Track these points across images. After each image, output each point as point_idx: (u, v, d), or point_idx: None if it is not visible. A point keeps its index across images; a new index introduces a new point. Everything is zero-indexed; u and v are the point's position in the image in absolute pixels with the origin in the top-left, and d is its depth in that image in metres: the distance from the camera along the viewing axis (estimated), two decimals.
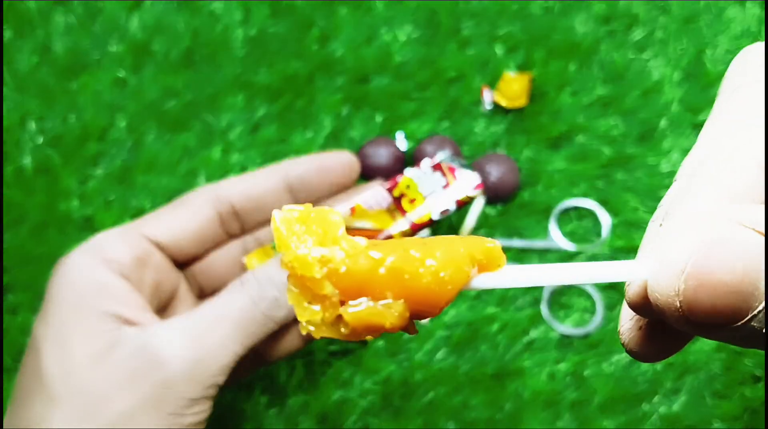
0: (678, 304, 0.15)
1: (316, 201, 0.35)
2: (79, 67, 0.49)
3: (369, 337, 0.18)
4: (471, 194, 0.33)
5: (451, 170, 0.34)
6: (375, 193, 0.34)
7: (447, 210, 0.33)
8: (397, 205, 0.35)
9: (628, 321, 0.20)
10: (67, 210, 0.45)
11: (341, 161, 0.35)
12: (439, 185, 0.34)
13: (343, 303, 0.17)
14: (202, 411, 0.30)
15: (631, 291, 0.18)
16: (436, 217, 0.33)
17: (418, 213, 0.33)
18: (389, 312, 0.17)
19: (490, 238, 0.19)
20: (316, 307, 0.17)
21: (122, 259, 0.31)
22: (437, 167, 0.34)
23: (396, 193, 0.34)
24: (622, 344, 0.20)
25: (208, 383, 0.29)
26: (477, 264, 0.18)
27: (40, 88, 0.48)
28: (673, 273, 0.15)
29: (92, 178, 0.46)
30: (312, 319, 0.17)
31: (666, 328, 0.19)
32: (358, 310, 0.17)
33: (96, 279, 0.30)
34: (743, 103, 0.19)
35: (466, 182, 0.33)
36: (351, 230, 0.32)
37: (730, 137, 0.18)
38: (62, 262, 0.31)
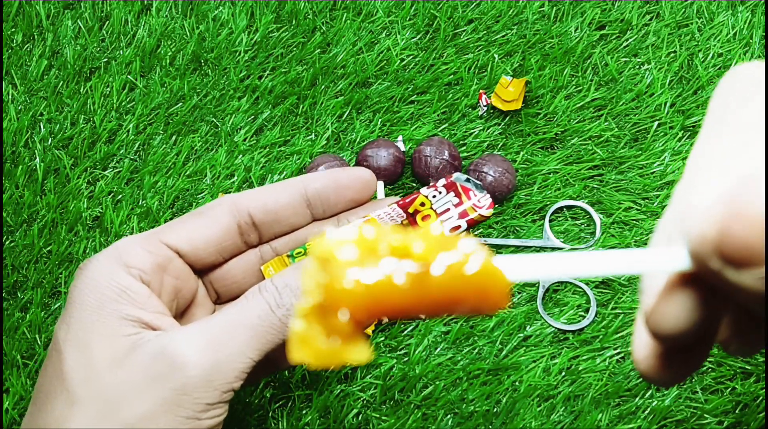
0: (714, 242, 0.16)
1: (332, 216, 0.36)
2: (88, 71, 0.50)
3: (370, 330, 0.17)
4: (484, 214, 0.34)
5: (465, 191, 0.35)
6: (389, 210, 0.34)
7: (458, 226, 0.34)
8: (411, 221, 0.36)
9: (643, 348, 0.20)
10: (77, 210, 0.46)
11: (359, 178, 0.35)
12: (452, 204, 0.34)
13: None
14: (218, 415, 0.30)
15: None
16: (447, 234, 0.33)
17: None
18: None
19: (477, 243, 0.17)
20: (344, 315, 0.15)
21: (143, 264, 0.32)
22: (451, 186, 0.34)
23: (411, 209, 0.34)
24: (640, 372, 0.21)
25: (225, 388, 0.30)
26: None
27: (50, 91, 0.49)
28: (709, 214, 0.16)
29: (101, 179, 0.48)
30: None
31: (683, 350, 0.20)
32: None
33: (117, 283, 0.31)
34: (735, 129, 0.19)
35: (479, 202, 0.34)
36: None
37: (724, 160, 0.19)
38: (84, 266, 0.32)
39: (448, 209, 0.34)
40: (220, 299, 0.37)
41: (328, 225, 0.36)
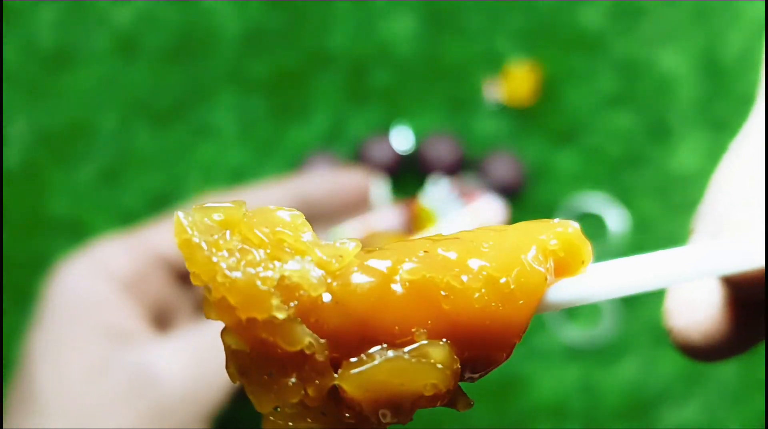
0: None
1: (327, 221, 0.34)
2: (65, 61, 0.48)
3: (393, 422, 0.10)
4: (494, 220, 0.30)
5: (473, 195, 0.32)
6: (388, 217, 0.32)
7: None
8: (409, 230, 0.35)
9: (697, 307, 0.15)
10: (55, 211, 0.45)
11: (355, 181, 0.34)
12: (458, 210, 0.31)
13: (337, 362, 0.10)
14: None
15: None
16: None
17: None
18: (427, 363, 0.10)
19: (559, 219, 0.12)
20: (292, 381, 0.10)
21: (123, 270, 0.30)
22: (460, 191, 0.32)
23: (411, 216, 0.32)
24: (680, 343, 0.16)
25: (210, 407, 0.28)
26: (554, 259, 0.12)
27: (25, 84, 0.47)
28: None
29: (81, 178, 0.46)
30: (285, 403, 0.10)
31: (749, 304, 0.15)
32: (368, 368, 0.10)
33: (94, 291, 0.29)
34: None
35: (489, 208, 0.30)
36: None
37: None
38: (59, 270, 0.30)
39: (454, 216, 0.30)
40: None
41: (320, 231, 0.34)
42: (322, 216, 0.34)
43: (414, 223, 0.31)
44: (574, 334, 0.42)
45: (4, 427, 0.30)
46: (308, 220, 0.33)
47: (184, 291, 0.35)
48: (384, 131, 0.46)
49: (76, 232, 0.44)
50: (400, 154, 0.44)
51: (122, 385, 0.27)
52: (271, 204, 0.32)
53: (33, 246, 0.44)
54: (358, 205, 0.34)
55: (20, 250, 0.44)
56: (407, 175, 0.45)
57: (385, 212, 0.32)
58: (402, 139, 0.45)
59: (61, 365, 0.28)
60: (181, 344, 0.28)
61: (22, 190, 0.45)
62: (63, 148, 0.46)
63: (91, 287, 0.29)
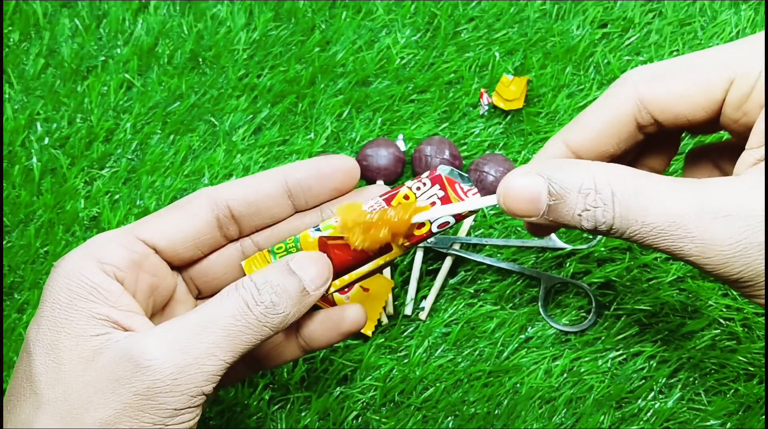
0: (503, 207, 0.30)
1: (315, 206, 0.35)
2: (85, 69, 0.50)
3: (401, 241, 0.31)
4: (472, 209, 0.32)
5: (451, 183, 0.33)
6: (373, 202, 0.33)
7: (447, 222, 0.33)
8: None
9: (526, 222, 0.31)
10: (74, 210, 0.46)
11: (341, 166, 0.34)
12: (437, 197, 0.33)
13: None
14: (187, 420, 0.29)
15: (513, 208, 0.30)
16: (435, 229, 0.32)
17: (417, 226, 0.33)
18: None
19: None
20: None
21: (117, 261, 0.31)
22: (437, 179, 0.33)
23: (394, 202, 0.33)
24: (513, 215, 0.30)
25: (193, 392, 0.28)
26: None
27: (47, 90, 0.49)
28: (498, 192, 0.30)
29: (98, 179, 0.47)
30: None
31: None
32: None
33: (88, 280, 0.30)
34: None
35: (467, 197, 0.33)
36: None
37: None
38: (58, 263, 0.31)
39: (434, 203, 0.33)
40: (201, 295, 0.36)
41: (311, 216, 0.35)
42: (312, 196, 0.34)
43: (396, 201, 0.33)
44: (563, 325, 0.43)
45: (6, 413, 0.30)
46: (296, 205, 0.35)
47: (177, 280, 0.35)
48: (384, 136, 0.48)
49: (95, 230, 0.46)
50: (400, 157, 0.46)
51: (111, 373, 0.28)
52: (261, 191, 0.34)
53: (56, 245, 0.46)
54: (345, 188, 0.34)
55: (41, 248, 0.46)
56: (406, 178, 0.47)
57: (370, 196, 0.34)
58: (400, 145, 0.47)
59: (55, 353, 0.29)
60: (168, 332, 0.29)
61: (43, 191, 0.47)
62: (82, 152, 0.48)
63: (86, 276, 0.30)
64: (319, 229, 0.32)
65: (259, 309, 0.29)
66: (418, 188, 0.33)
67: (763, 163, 0.26)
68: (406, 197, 0.33)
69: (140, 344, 0.28)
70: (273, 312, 0.30)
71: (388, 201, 0.33)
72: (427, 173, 0.33)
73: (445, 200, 0.33)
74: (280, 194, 0.34)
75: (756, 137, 0.27)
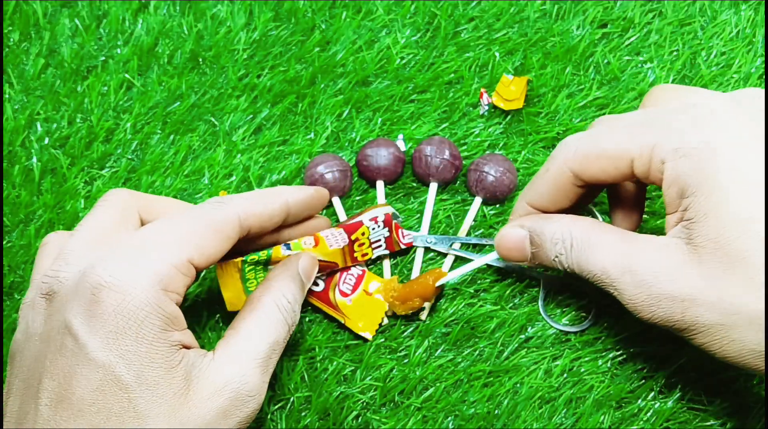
0: (500, 255, 0.39)
1: (291, 225, 0.40)
2: (85, 69, 0.50)
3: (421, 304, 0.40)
4: (402, 247, 0.44)
5: (396, 227, 0.43)
6: (336, 233, 0.41)
7: (385, 255, 0.44)
8: (350, 249, 0.41)
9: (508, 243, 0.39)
10: (74, 210, 0.46)
11: (323, 196, 0.40)
12: (383, 237, 0.43)
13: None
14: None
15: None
16: (374, 256, 0.43)
17: (362, 252, 0.42)
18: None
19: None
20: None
21: (179, 288, 0.33)
22: (388, 223, 0.42)
23: (353, 237, 0.41)
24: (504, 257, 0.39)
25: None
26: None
27: (47, 90, 0.49)
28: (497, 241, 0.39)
29: (98, 179, 0.47)
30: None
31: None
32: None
33: (164, 312, 0.32)
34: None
35: (403, 239, 0.44)
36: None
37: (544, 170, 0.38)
38: (118, 286, 0.31)
39: (379, 240, 0.43)
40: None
41: (287, 232, 0.40)
42: (292, 218, 0.39)
43: (355, 242, 0.42)
44: (563, 325, 0.44)
45: (5, 416, 0.31)
46: (285, 220, 0.40)
47: None
48: (384, 136, 0.48)
49: None
50: (400, 157, 0.46)
51: (218, 405, 0.32)
52: (269, 213, 0.38)
53: None
54: (314, 213, 0.41)
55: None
56: (406, 179, 0.47)
57: (333, 230, 0.42)
58: (400, 145, 0.47)
59: (154, 388, 0.31)
60: (251, 361, 0.34)
61: (43, 191, 0.47)
62: (82, 152, 0.48)
63: (162, 308, 0.32)
64: (289, 247, 0.39)
65: (291, 323, 0.37)
66: (374, 229, 0.42)
67: (680, 239, 0.32)
68: (363, 233, 0.41)
69: (241, 380, 0.33)
70: (297, 319, 0.38)
71: (349, 232, 0.41)
72: (382, 216, 0.42)
73: (389, 240, 0.43)
74: (280, 217, 0.38)
75: (669, 207, 0.33)
